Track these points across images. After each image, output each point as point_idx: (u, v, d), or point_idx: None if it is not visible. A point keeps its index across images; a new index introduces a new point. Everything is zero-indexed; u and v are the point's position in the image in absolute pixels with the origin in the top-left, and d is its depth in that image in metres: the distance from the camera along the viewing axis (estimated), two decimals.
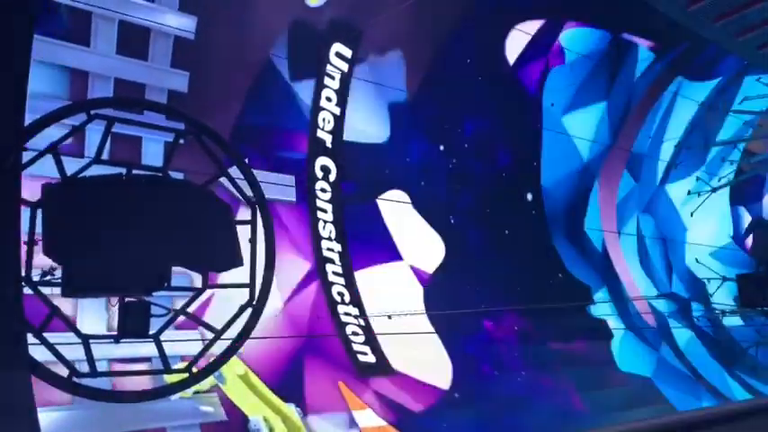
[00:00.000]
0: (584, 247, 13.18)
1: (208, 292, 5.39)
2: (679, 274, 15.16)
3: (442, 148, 10.94)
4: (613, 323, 13.05)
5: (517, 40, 11.73)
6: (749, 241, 16.32)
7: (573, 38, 12.43)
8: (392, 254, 10.02)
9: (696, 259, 15.51)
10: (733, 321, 15.39)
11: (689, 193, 15.52)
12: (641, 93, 14.09)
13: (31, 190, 4.53)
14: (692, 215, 15.57)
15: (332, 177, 9.37)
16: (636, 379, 12.65)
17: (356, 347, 9.09)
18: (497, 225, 11.49)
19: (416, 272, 10.16)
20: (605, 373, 12.39)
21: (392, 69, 10.15)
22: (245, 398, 7.58)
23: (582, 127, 13.01)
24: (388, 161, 10.13)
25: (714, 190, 15.77)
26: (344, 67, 9.50)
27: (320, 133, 9.34)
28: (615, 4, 12.38)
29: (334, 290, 9.20)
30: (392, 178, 10.14)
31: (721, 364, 14.48)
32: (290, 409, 7.95)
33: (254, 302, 4.98)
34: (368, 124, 9.86)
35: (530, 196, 12.33)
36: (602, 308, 13.01)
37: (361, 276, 9.47)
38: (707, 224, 15.94)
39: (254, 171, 5.75)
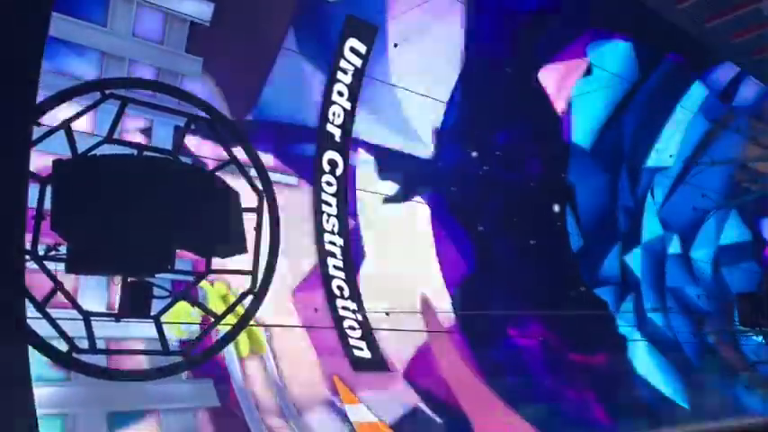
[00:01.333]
0: (607, 260, 13.18)
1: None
2: (696, 290, 15.14)
3: (474, 154, 10.98)
4: (632, 336, 13.08)
5: (552, 53, 11.83)
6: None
7: (599, 51, 12.49)
8: None
9: (703, 275, 15.48)
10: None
11: (693, 209, 15.46)
12: (660, 108, 14.09)
13: (41, 166, 4.57)
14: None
15: (338, 171, 9.38)
16: (652, 391, 12.70)
17: (352, 342, 9.11)
18: (523, 234, 11.52)
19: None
20: (621, 385, 12.44)
21: (430, 75, 10.20)
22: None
23: (605, 140, 13.04)
24: (422, 164, 10.21)
25: (719, 208, 15.72)
26: (358, 62, 9.51)
27: (329, 127, 9.35)
28: (642, 19, 12.39)
29: (334, 284, 9.22)
30: (424, 181, 10.23)
31: (730, 382, 14.57)
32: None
33: (256, 290, 4.98)
34: (401, 125, 9.93)
35: (557, 207, 12.36)
36: (621, 321, 13.04)
37: None
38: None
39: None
